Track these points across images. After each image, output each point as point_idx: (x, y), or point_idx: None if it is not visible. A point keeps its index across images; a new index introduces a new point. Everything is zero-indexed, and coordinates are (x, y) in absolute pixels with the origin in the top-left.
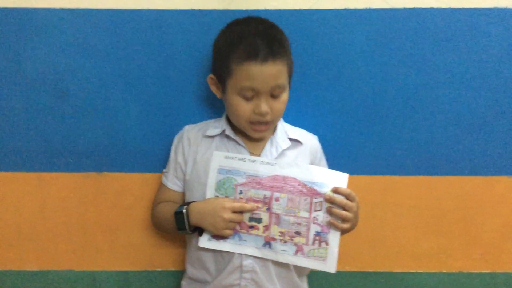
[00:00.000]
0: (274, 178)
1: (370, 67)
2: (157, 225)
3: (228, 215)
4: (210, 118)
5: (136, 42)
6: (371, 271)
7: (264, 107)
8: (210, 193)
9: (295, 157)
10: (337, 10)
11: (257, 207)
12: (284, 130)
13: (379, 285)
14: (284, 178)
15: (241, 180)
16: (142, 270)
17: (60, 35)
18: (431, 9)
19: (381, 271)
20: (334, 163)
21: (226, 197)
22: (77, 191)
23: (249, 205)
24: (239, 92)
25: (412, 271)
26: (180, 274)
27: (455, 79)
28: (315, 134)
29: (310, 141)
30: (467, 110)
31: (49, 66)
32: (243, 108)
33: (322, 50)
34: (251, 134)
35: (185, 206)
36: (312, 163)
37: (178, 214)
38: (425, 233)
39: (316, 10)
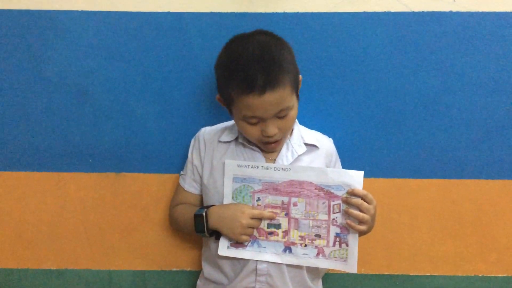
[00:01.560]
0: (291, 183)
1: (388, 70)
2: (175, 226)
3: (246, 220)
4: (228, 119)
5: (155, 45)
6: (386, 273)
7: (271, 130)
8: (227, 202)
9: (310, 162)
10: (356, 13)
11: (276, 214)
12: (300, 134)
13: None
14: (301, 183)
15: (257, 187)
16: (158, 270)
17: (81, 37)
18: (450, 12)
19: (396, 273)
20: (349, 165)
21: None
22: (95, 191)
23: (268, 213)
24: (243, 119)
25: (428, 274)
26: (195, 274)
27: (473, 83)
28: (330, 136)
29: (326, 144)
30: (485, 113)
31: (70, 68)
32: (251, 131)
33: (340, 52)
34: (264, 149)
35: (205, 209)
36: (327, 166)
37: (198, 217)
38: (441, 236)
39: (335, 13)
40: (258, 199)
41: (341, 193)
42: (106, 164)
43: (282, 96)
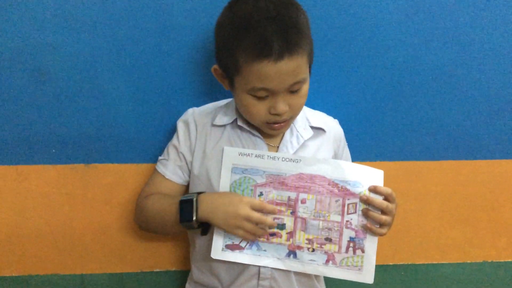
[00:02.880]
0: (300, 176)
1: (397, 41)
2: (141, 221)
3: (244, 210)
4: (217, 99)
5: (128, 13)
6: (391, 263)
7: (281, 107)
8: None
9: (317, 148)
10: None
11: (280, 210)
12: (306, 116)
13: (400, 278)
14: (312, 177)
15: (260, 180)
16: (137, 272)
17: (37, 5)
18: None
19: (402, 263)
20: (353, 148)
21: None
22: (62, 186)
23: (270, 206)
24: (249, 91)
25: (435, 263)
26: (183, 274)
27: (488, 57)
28: (331, 115)
29: (334, 127)
30: (496, 90)
31: (25, 42)
32: (256, 108)
33: (343, 23)
34: (267, 132)
35: (195, 195)
36: (335, 152)
37: (185, 203)
38: (450, 221)
39: None
40: (261, 194)
41: (359, 190)
42: (73, 155)
43: (299, 65)
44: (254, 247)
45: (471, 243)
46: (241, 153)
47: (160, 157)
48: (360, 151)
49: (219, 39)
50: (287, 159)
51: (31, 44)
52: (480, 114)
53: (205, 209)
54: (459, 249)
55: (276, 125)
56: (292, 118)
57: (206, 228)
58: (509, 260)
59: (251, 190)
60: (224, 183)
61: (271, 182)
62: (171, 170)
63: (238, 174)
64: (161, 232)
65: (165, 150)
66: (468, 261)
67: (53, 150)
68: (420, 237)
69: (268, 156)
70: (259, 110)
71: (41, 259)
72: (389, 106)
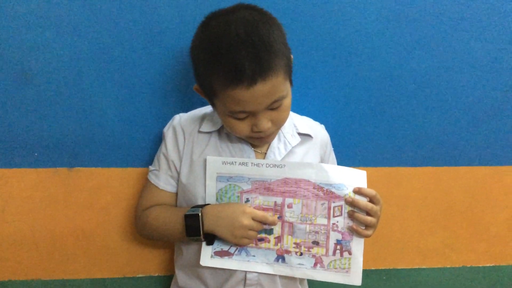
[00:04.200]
0: (285, 181)
1: (380, 49)
2: (147, 234)
3: (248, 221)
4: (205, 104)
5: (115, 15)
6: (373, 268)
7: (263, 124)
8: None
9: (304, 154)
10: None
11: (275, 221)
12: (293, 122)
13: (382, 283)
14: (297, 181)
15: (246, 186)
16: (121, 277)
17: (21, 4)
18: None
19: (384, 268)
20: (337, 153)
21: None
22: (44, 190)
23: (271, 218)
24: (229, 114)
25: (416, 267)
26: (165, 279)
27: (469, 64)
28: (316, 121)
29: (320, 133)
30: (480, 96)
31: (8, 42)
32: (239, 127)
33: (329, 26)
34: (255, 144)
35: (200, 209)
36: (322, 157)
37: (191, 218)
38: (431, 227)
39: None
40: (247, 200)
41: (344, 193)
42: (56, 158)
43: (274, 85)
44: (243, 253)
45: (451, 248)
46: (224, 161)
47: (151, 167)
48: (344, 156)
49: (195, 62)
50: (271, 165)
51: (14, 44)
52: (460, 122)
53: (210, 222)
54: (440, 253)
55: (262, 139)
56: (277, 130)
57: (211, 238)
58: (488, 264)
59: (237, 196)
60: (210, 192)
61: (256, 188)
62: (163, 180)
63: (223, 182)
64: (171, 241)
65: (155, 159)
66: (448, 266)
67: (35, 154)
68: (402, 242)
69: (252, 163)
70: (242, 128)
71: (22, 264)
72: (373, 113)
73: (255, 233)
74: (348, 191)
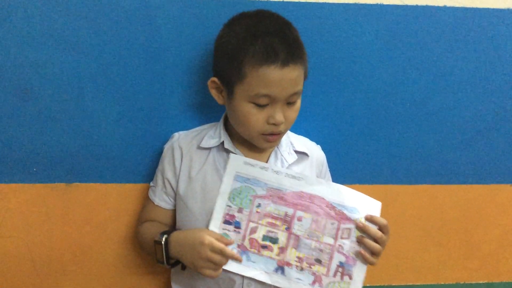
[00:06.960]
0: (300, 194)
1: (376, 68)
2: (140, 247)
3: (206, 253)
4: (204, 123)
5: (115, 32)
6: (368, 285)
7: (279, 116)
8: (221, 202)
9: (301, 172)
10: (346, 4)
11: (275, 224)
12: (290, 140)
13: None
14: (311, 197)
15: (260, 191)
16: None
17: (22, 22)
18: (444, 7)
19: (378, 285)
20: (333, 171)
21: (240, 208)
22: (42, 205)
23: (230, 251)
24: (251, 99)
25: (410, 284)
26: None
27: (463, 83)
28: (312, 139)
29: (316, 152)
30: (473, 115)
31: (9, 59)
32: (255, 117)
33: (325, 47)
34: (260, 145)
35: (165, 236)
36: (317, 176)
37: (157, 244)
38: (425, 244)
39: (323, 3)
40: (259, 205)
41: (355, 216)
42: (54, 174)
43: (299, 75)
44: (244, 257)
45: (444, 265)
46: (246, 162)
47: (151, 183)
48: (340, 174)
49: (222, 49)
50: (290, 175)
51: (14, 61)
52: (454, 141)
53: (174, 250)
54: (433, 270)
55: (271, 137)
56: (285, 130)
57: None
58: (481, 281)
59: (250, 200)
60: (224, 190)
61: (270, 195)
62: (158, 196)
63: (240, 182)
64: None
65: (155, 176)
66: (441, 283)
67: (34, 169)
68: (396, 258)
69: (272, 169)
70: (258, 119)
71: (18, 279)
72: (368, 132)
73: (219, 261)
74: (359, 216)
